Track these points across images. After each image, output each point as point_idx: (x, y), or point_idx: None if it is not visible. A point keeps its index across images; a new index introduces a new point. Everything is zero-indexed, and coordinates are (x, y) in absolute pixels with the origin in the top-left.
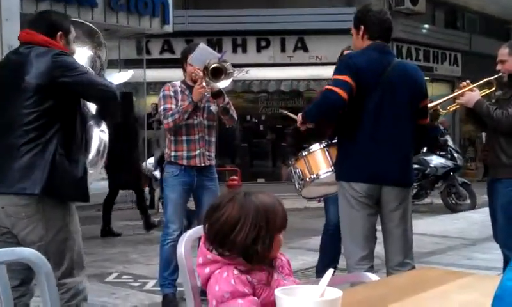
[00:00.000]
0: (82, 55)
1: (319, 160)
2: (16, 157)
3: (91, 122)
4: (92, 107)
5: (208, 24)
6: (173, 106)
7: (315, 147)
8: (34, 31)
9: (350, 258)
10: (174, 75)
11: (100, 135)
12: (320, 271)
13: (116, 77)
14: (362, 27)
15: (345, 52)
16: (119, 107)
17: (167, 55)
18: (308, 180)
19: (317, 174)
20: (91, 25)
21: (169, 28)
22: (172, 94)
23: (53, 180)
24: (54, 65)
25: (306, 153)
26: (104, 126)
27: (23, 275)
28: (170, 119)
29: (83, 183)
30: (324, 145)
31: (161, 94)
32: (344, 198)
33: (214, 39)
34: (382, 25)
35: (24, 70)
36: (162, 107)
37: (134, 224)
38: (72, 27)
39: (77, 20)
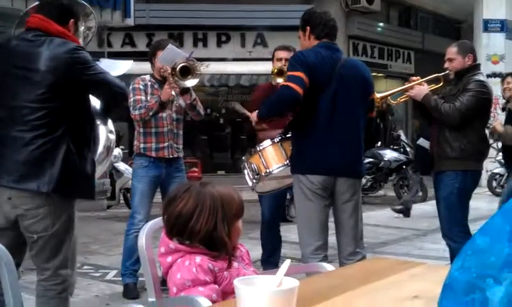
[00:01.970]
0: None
1: (273, 154)
2: (24, 151)
3: (98, 120)
4: (97, 105)
5: (169, 18)
6: (143, 98)
7: (268, 142)
8: (47, 18)
9: (305, 248)
10: (135, 68)
11: (108, 135)
12: (264, 262)
13: (117, 66)
14: (308, 28)
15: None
16: (126, 106)
17: (128, 49)
18: (263, 174)
19: (272, 169)
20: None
21: (130, 21)
22: (142, 87)
23: (64, 178)
24: (72, 61)
25: (261, 148)
26: (111, 125)
27: None
28: (137, 112)
29: (91, 181)
30: (278, 140)
31: (131, 87)
32: (300, 190)
33: (175, 34)
34: (327, 24)
35: (37, 62)
36: (132, 99)
37: (96, 215)
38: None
39: None
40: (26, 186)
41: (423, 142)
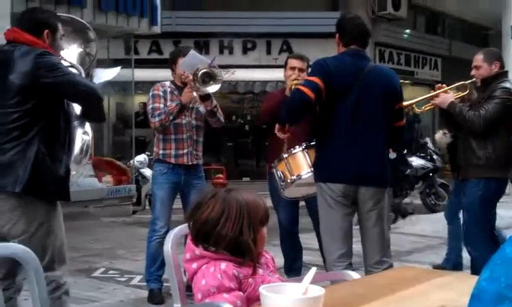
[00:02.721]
0: (71, 52)
1: (298, 161)
2: None
3: (75, 123)
4: (77, 108)
5: (195, 26)
6: (161, 106)
7: (295, 149)
8: (19, 29)
9: (329, 255)
10: (161, 75)
11: (82, 136)
12: (287, 272)
13: (104, 74)
14: (338, 34)
15: None
16: (102, 108)
17: (155, 56)
18: (288, 181)
19: (297, 176)
20: (82, 21)
21: (157, 29)
22: (161, 94)
23: (35, 178)
24: (36, 65)
25: (287, 155)
26: (87, 127)
27: (5, 268)
28: (157, 119)
29: (65, 182)
30: (304, 147)
31: (150, 93)
32: (322, 198)
33: (201, 41)
34: (354, 31)
35: (8, 69)
36: (150, 106)
37: (122, 221)
38: (60, 25)
39: (69, 16)
40: None
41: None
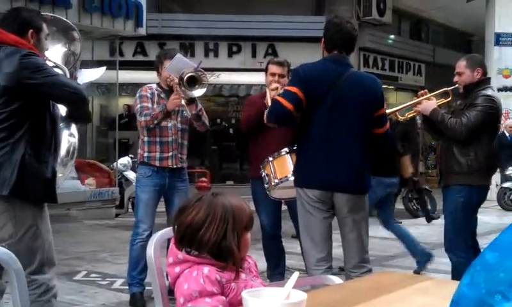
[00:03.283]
0: (55, 51)
1: (282, 165)
2: None
3: (61, 124)
4: (62, 109)
5: (181, 28)
6: (149, 105)
7: (279, 153)
8: (3, 30)
9: (308, 259)
10: (146, 77)
11: (68, 138)
12: (269, 276)
13: (88, 74)
14: (323, 39)
15: None
16: (88, 109)
17: (140, 58)
18: (272, 183)
19: (280, 179)
20: (66, 21)
21: (142, 31)
22: (149, 95)
23: (22, 180)
24: (21, 66)
25: (272, 158)
26: (73, 129)
27: None
28: (143, 119)
29: (52, 184)
30: (287, 151)
31: (138, 94)
32: (301, 203)
33: (187, 43)
34: (335, 36)
35: None
36: (139, 106)
37: (104, 224)
38: (44, 24)
39: (53, 15)
40: None
41: None
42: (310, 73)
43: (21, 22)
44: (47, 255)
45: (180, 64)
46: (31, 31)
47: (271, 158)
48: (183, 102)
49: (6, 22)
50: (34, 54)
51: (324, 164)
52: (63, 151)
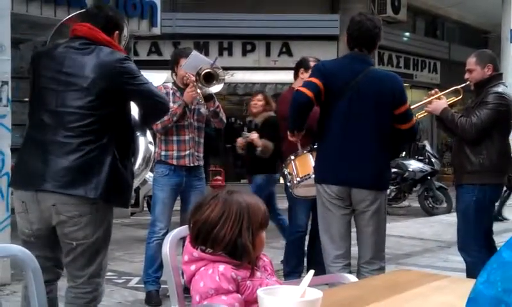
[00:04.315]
0: None
1: (304, 163)
2: (71, 157)
3: (137, 132)
4: (135, 115)
5: (195, 27)
6: None
7: (301, 151)
8: (95, 27)
9: (327, 256)
10: (160, 76)
11: (148, 146)
12: (286, 275)
13: (155, 79)
14: (346, 36)
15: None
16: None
17: (154, 57)
18: (295, 182)
19: (301, 177)
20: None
21: (157, 30)
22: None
23: (110, 185)
24: (120, 71)
25: (294, 157)
26: (150, 136)
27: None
28: (159, 123)
29: (131, 190)
30: (309, 149)
31: None
32: (320, 200)
33: (201, 43)
34: (355, 34)
35: (86, 69)
36: None
37: (120, 222)
38: (125, 26)
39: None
40: (73, 192)
41: None
42: (330, 68)
43: (109, 21)
44: (105, 258)
45: (196, 61)
46: (116, 32)
47: (293, 157)
48: (199, 91)
49: (93, 17)
50: (130, 59)
51: (342, 160)
52: (139, 159)
